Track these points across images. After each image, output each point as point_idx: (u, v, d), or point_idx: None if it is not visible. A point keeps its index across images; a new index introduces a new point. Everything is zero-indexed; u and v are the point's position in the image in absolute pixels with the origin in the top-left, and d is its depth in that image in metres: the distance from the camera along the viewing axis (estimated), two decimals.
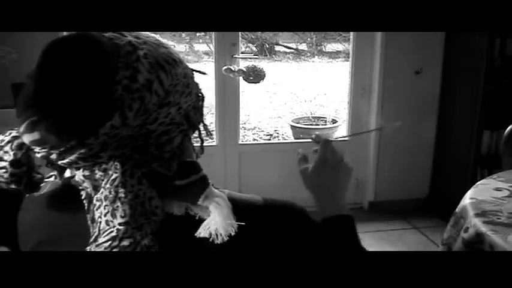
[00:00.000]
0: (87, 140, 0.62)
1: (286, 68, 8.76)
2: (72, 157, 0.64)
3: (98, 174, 0.66)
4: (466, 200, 1.54)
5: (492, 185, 1.67)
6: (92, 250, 0.63)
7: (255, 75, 2.96)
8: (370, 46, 3.10)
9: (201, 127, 0.78)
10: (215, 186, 0.70)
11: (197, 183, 0.67)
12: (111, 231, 0.63)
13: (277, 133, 5.85)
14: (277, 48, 9.48)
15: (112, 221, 0.63)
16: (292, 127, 5.38)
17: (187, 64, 0.73)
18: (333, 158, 0.90)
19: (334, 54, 9.36)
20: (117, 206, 0.63)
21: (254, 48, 8.98)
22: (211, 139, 3.09)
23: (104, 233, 0.63)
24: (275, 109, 6.72)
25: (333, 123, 5.57)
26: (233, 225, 0.66)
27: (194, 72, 0.75)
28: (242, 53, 3.44)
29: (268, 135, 5.78)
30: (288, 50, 9.57)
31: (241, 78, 2.96)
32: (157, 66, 0.65)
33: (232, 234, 0.66)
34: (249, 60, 3.70)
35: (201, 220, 0.67)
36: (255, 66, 2.99)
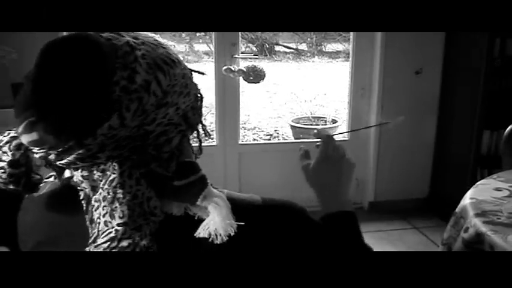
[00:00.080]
0: (85, 141, 0.62)
1: (286, 68, 8.76)
2: (71, 158, 0.64)
3: (96, 174, 0.66)
4: (466, 200, 1.54)
5: (492, 185, 1.67)
6: (91, 251, 0.63)
7: (255, 75, 2.96)
8: (370, 46, 3.10)
9: (200, 128, 0.78)
10: (214, 186, 0.70)
11: (196, 183, 0.67)
12: (110, 232, 0.63)
13: (277, 133, 5.85)
14: (277, 48, 9.48)
15: (110, 222, 0.63)
16: (292, 127, 5.38)
17: (187, 64, 0.73)
18: (335, 154, 0.90)
19: (334, 54, 9.35)
20: (116, 207, 0.63)
21: (254, 48, 8.98)
22: (211, 139, 3.09)
23: (102, 233, 0.63)
24: (275, 109, 6.72)
25: (333, 123, 5.57)
26: (232, 225, 0.66)
27: (193, 72, 0.75)
28: (242, 53, 3.44)
29: (268, 135, 5.78)
30: (288, 50, 9.57)
31: (241, 78, 2.96)
32: (155, 67, 0.65)
33: (232, 234, 0.65)
34: (249, 60, 3.70)
35: (201, 220, 0.67)
36: (255, 66, 2.99)
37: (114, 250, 0.62)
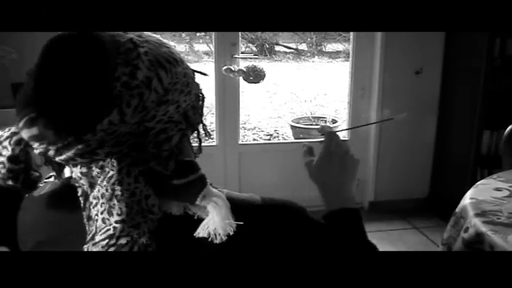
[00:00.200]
0: (85, 136, 0.63)
1: (286, 68, 8.75)
2: (70, 153, 0.64)
3: (95, 171, 0.66)
4: (466, 200, 1.54)
5: (492, 185, 1.67)
6: (89, 248, 0.63)
7: (255, 75, 2.96)
8: (370, 46, 3.10)
9: (201, 127, 0.78)
10: (214, 186, 0.70)
11: (195, 182, 0.67)
12: (108, 229, 0.63)
13: (277, 133, 5.85)
14: (277, 48, 9.47)
15: (108, 219, 0.63)
16: (292, 127, 5.38)
17: (188, 64, 0.73)
18: (339, 150, 0.90)
19: (334, 54, 9.35)
20: (114, 204, 0.63)
21: (254, 48, 8.97)
22: (211, 139, 3.09)
23: (100, 231, 0.63)
24: (275, 109, 6.72)
25: (333, 123, 5.57)
26: (232, 224, 0.66)
27: (195, 73, 0.75)
28: (242, 53, 3.44)
29: (268, 135, 5.78)
30: (288, 50, 9.56)
31: (241, 78, 2.96)
32: (157, 64, 0.65)
33: (231, 234, 0.65)
34: (249, 60, 3.70)
35: (200, 220, 0.67)
36: (255, 66, 2.99)
37: (112, 247, 0.62)
